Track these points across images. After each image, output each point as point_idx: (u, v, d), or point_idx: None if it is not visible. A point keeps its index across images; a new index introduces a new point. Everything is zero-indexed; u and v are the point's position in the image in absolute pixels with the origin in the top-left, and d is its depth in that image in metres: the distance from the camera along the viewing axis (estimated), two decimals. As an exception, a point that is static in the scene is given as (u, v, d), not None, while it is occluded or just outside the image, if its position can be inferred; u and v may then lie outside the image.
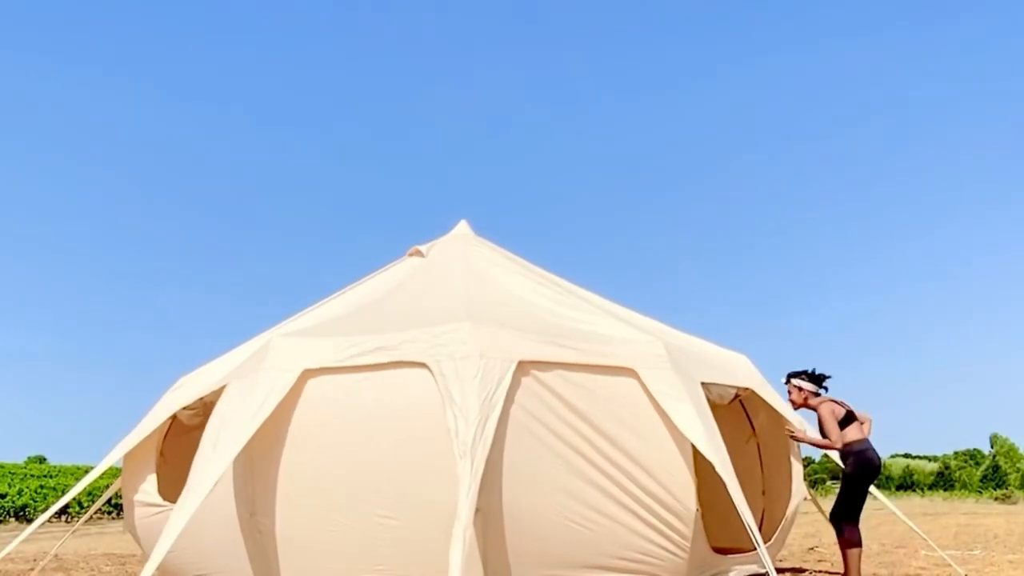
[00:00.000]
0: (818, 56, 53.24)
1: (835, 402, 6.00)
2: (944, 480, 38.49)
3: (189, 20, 51.08)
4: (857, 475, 5.83)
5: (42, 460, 35.31)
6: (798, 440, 6.16)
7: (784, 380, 6.13)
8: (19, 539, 6.11)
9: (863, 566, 6.05)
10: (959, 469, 40.27)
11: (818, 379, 6.13)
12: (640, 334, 5.95)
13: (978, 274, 58.38)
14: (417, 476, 4.97)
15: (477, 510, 4.53)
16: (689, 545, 5.31)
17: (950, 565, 6.96)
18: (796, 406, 6.08)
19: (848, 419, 5.91)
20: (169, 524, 4.50)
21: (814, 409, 6.03)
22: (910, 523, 6.90)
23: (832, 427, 5.82)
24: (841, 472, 5.99)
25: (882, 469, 6.13)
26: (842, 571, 5.89)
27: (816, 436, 6.04)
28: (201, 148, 52.81)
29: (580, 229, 58.24)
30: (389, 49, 56.22)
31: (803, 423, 6.48)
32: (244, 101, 55.09)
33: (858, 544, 5.83)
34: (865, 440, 5.93)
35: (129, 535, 6.62)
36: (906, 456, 47.93)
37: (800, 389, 6.09)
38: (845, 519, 5.86)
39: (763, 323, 59.98)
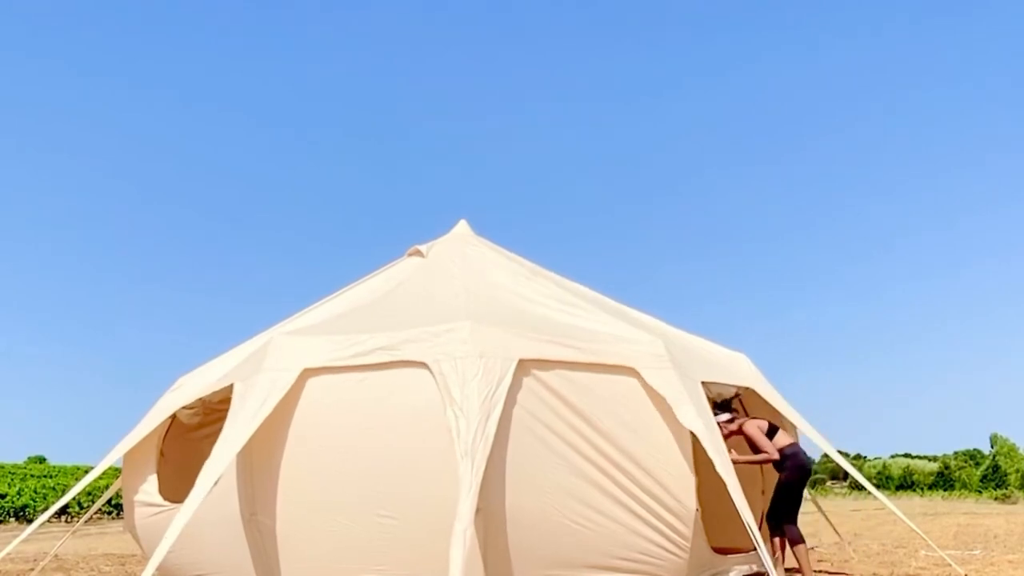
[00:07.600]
0: (817, 56, 53.25)
1: (754, 419, 6.34)
2: (944, 480, 38.38)
3: (187, 20, 51.05)
4: (795, 480, 6.09)
5: (42, 460, 35.21)
6: (738, 463, 5.92)
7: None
8: (19, 539, 6.11)
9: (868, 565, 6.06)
10: (959, 469, 40.16)
11: (723, 406, 6.43)
12: (640, 333, 5.95)
13: (978, 273, 58.30)
14: (417, 476, 4.97)
15: (478, 510, 4.53)
16: (689, 545, 5.31)
17: (950, 565, 6.95)
18: (727, 438, 6.04)
19: (772, 429, 6.20)
20: (174, 524, 4.51)
21: (742, 433, 6.24)
22: (910, 523, 6.90)
23: (763, 441, 6.12)
24: (778, 478, 6.17)
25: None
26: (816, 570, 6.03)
27: (749, 455, 6.21)
28: (200, 148, 52.71)
29: (580, 228, 58.12)
30: (389, 48, 56.26)
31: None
32: (243, 101, 55.05)
33: (802, 540, 6.05)
34: (796, 444, 6.28)
35: (129, 535, 6.61)
36: (906, 456, 47.76)
37: (719, 425, 6.05)
38: (785, 521, 6.09)
39: (763, 322, 59.91)
